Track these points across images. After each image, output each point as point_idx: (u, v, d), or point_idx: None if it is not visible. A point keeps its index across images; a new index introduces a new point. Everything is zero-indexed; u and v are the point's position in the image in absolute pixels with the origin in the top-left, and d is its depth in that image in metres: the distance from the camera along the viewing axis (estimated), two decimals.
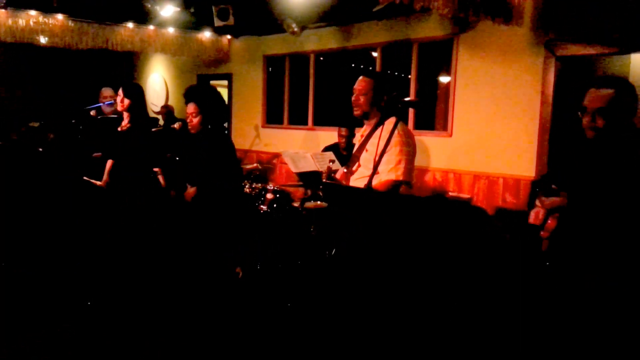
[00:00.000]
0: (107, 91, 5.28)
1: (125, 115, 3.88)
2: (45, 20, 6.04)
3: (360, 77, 3.00)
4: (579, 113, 2.21)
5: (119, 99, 3.81)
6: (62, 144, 5.29)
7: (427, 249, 2.01)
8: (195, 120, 3.51)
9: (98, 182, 3.89)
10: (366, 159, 2.91)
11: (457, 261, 1.97)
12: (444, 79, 5.77)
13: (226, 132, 7.62)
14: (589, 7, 4.22)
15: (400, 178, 2.77)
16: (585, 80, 2.26)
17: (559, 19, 4.41)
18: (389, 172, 2.78)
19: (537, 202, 2.24)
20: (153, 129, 3.84)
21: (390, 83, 3.26)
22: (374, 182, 2.74)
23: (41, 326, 3.11)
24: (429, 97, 5.93)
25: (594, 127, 2.16)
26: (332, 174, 3.17)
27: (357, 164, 3.01)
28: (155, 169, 3.91)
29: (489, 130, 4.97)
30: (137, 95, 3.89)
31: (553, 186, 2.24)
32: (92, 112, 5.00)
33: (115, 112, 4.49)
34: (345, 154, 5.06)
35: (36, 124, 6.70)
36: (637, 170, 2.04)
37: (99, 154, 4.41)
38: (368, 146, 2.93)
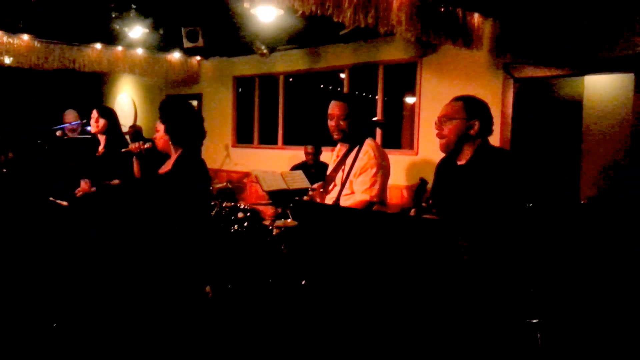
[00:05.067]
0: (70, 113, 5.22)
1: (102, 138, 3.86)
2: (10, 40, 5.96)
3: (334, 102, 2.95)
4: (434, 124, 2.40)
5: (93, 120, 3.78)
6: (26, 164, 5.18)
7: (395, 264, 2.07)
8: (161, 141, 3.22)
9: (64, 202, 3.84)
10: (341, 179, 2.96)
11: (427, 278, 2.02)
12: (409, 100, 5.96)
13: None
14: (544, 32, 4.46)
15: (375, 199, 2.83)
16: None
17: (516, 43, 4.64)
18: (364, 192, 2.83)
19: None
20: (123, 150, 3.82)
21: (361, 104, 3.33)
22: (349, 202, 2.81)
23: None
24: (395, 117, 6.10)
25: (440, 134, 2.38)
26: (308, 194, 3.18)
27: (333, 184, 3.03)
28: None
29: None
30: (112, 116, 3.89)
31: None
32: (58, 133, 4.94)
33: (83, 132, 4.46)
34: (314, 171, 5.13)
35: None
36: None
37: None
38: (344, 166, 2.98)
